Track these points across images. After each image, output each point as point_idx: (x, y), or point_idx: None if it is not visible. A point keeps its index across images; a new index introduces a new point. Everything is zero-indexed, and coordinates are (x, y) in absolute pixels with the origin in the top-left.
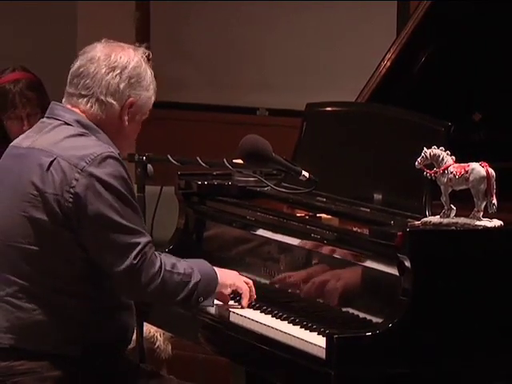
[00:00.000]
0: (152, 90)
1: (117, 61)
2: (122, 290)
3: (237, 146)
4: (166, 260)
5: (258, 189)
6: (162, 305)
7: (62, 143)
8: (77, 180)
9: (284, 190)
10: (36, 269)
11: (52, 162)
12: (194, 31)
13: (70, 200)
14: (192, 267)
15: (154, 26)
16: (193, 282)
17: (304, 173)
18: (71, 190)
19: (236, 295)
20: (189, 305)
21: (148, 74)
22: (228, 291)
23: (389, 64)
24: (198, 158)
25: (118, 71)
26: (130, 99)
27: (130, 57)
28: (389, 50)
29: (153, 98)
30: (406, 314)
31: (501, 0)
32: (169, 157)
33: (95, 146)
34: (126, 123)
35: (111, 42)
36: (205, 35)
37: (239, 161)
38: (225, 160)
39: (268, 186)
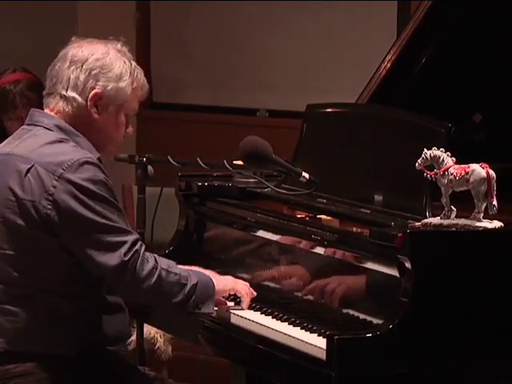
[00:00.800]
0: (126, 82)
1: (77, 55)
2: (118, 288)
3: (237, 148)
4: (161, 260)
5: (259, 190)
6: (159, 307)
7: (40, 149)
8: (55, 187)
9: (284, 191)
10: (21, 273)
11: (29, 168)
12: (194, 32)
13: (49, 207)
14: (188, 271)
15: (154, 27)
16: (190, 284)
17: (304, 174)
18: (49, 198)
19: (236, 297)
20: (186, 308)
21: (118, 65)
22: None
23: (389, 65)
24: (198, 160)
25: (79, 64)
26: (94, 91)
27: (94, 50)
28: (389, 51)
29: (128, 89)
30: (406, 315)
31: (501, 0)
32: (169, 158)
33: (73, 152)
34: (95, 115)
35: (85, 39)
36: (205, 36)
37: (239, 162)
38: (225, 161)
39: (268, 187)
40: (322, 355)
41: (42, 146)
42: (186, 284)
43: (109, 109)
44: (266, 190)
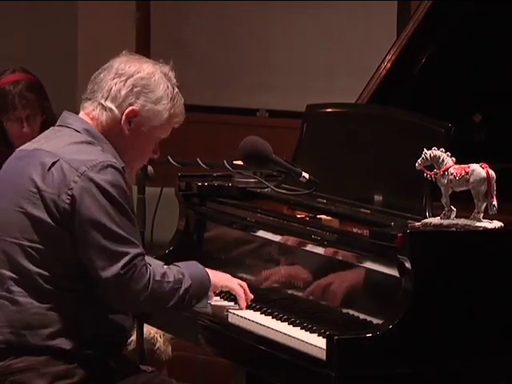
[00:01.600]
0: (165, 106)
1: (125, 69)
2: (110, 298)
3: (237, 148)
4: (156, 270)
5: (259, 190)
6: (153, 313)
7: (67, 147)
8: (75, 182)
9: (284, 191)
10: (32, 264)
11: (54, 162)
12: (194, 32)
13: (67, 201)
14: (183, 272)
15: (154, 27)
16: (183, 287)
17: (304, 174)
18: (69, 192)
19: (234, 296)
20: (181, 309)
21: (161, 88)
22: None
23: (389, 65)
24: (198, 160)
25: (124, 78)
26: (131, 107)
27: (141, 68)
28: (389, 51)
29: (165, 114)
30: (406, 315)
31: (501, 0)
32: (169, 158)
33: (99, 154)
34: (127, 132)
35: (135, 55)
36: (205, 36)
37: (239, 162)
38: (225, 161)
39: (268, 187)
40: (322, 355)
41: (70, 144)
42: (179, 288)
43: (141, 128)
44: (266, 190)
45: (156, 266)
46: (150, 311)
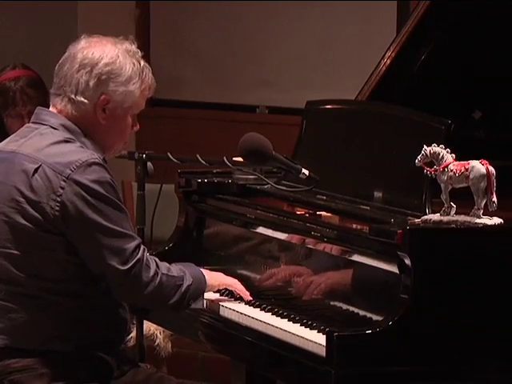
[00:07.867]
0: (135, 85)
1: (87, 58)
2: (118, 292)
3: (237, 144)
4: (161, 263)
5: (258, 187)
6: (156, 309)
7: (47, 149)
8: (63, 188)
9: (284, 187)
10: (22, 272)
11: (37, 168)
12: (194, 29)
13: (57, 208)
14: (184, 270)
15: (153, 24)
16: (185, 285)
17: (304, 171)
18: (57, 199)
19: (233, 294)
20: (179, 308)
21: (127, 68)
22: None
23: (389, 62)
24: (198, 156)
25: (88, 68)
26: (103, 96)
27: (104, 52)
28: (389, 47)
29: (137, 92)
30: (406, 312)
31: None
32: (169, 155)
33: (80, 152)
34: (102, 120)
35: (94, 37)
36: (205, 33)
37: (239, 159)
38: (225, 158)
39: (268, 183)
40: (322, 352)
41: (49, 145)
42: (181, 285)
43: (117, 112)
44: (266, 186)
45: (160, 261)
46: (152, 306)
